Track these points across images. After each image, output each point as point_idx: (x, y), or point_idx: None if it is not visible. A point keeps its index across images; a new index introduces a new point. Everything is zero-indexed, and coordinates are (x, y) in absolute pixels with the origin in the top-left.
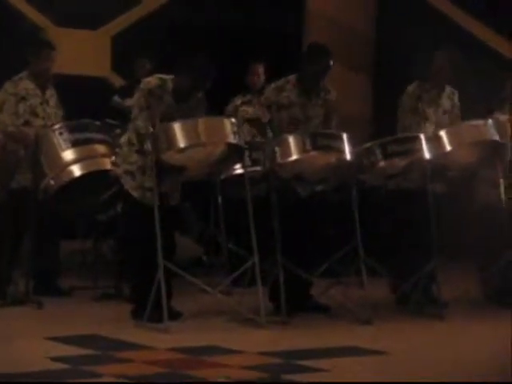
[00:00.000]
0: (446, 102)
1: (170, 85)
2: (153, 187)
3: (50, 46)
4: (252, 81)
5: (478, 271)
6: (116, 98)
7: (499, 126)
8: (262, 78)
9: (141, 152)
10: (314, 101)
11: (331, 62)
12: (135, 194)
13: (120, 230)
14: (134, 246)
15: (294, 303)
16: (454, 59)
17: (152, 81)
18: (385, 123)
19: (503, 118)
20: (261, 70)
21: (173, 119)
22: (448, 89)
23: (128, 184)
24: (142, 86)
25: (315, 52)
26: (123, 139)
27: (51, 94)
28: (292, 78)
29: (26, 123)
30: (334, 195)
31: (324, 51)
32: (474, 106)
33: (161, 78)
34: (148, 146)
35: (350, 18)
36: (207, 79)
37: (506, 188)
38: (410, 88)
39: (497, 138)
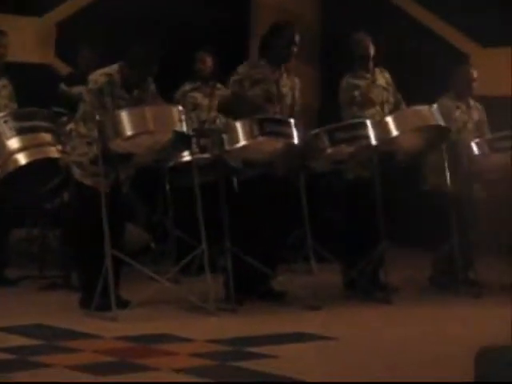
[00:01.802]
0: (381, 81)
1: (116, 77)
2: (104, 174)
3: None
4: (199, 69)
5: (424, 256)
6: (63, 86)
7: (444, 111)
8: (210, 66)
9: (89, 142)
10: (285, 80)
11: (296, 35)
12: (87, 181)
13: (68, 218)
14: (83, 234)
15: (248, 290)
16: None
17: (99, 79)
18: (332, 111)
19: (448, 102)
20: (208, 58)
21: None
22: (377, 69)
23: (78, 174)
24: (90, 86)
25: (277, 26)
26: (70, 128)
27: (3, 84)
28: (262, 57)
29: None
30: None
31: (287, 24)
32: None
33: (106, 74)
34: (95, 133)
35: (297, 7)
36: (151, 64)
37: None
38: (343, 83)
39: (441, 122)
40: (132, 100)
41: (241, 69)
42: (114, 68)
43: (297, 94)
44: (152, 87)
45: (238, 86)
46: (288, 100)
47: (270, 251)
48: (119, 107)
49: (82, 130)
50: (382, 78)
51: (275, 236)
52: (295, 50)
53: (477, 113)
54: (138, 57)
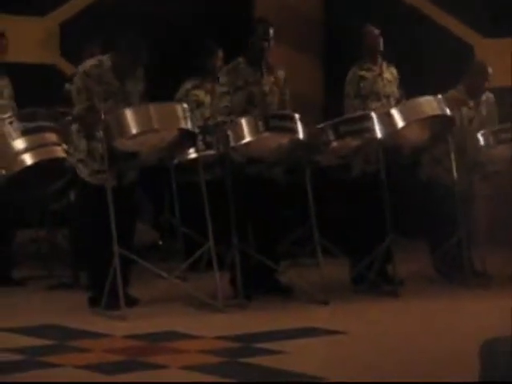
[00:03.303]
0: (387, 75)
1: (107, 63)
2: (105, 170)
3: None
4: (214, 65)
5: (430, 248)
6: (68, 86)
7: (449, 102)
8: (221, 62)
9: (87, 137)
10: (266, 78)
11: (269, 31)
12: (92, 180)
13: (75, 217)
14: (90, 232)
15: (256, 285)
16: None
17: (88, 62)
18: (335, 104)
19: (454, 93)
20: (221, 54)
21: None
22: (384, 63)
23: (83, 172)
24: (78, 68)
25: (253, 24)
26: (74, 127)
27: (4, 84)
28: (241, 58)
29: None
30: (286, 176)
31: (259, 21)
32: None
33: (97, 59)
34: (100, 133)
35: (300, 3)
36: (140, 52)
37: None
38: (349, 75)
39: (448, 112)
40: (121, 89)
41: (223, 78)
42: (105, 56)
43: (283, 85)
44: (139, 73)
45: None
46: (273, 97)
47: (273, 246)
48: (107, 93)
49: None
50: (389, 72)
51: (276, 230)
52: (267, 45)
53: (487, 107)
54: (127, 42)
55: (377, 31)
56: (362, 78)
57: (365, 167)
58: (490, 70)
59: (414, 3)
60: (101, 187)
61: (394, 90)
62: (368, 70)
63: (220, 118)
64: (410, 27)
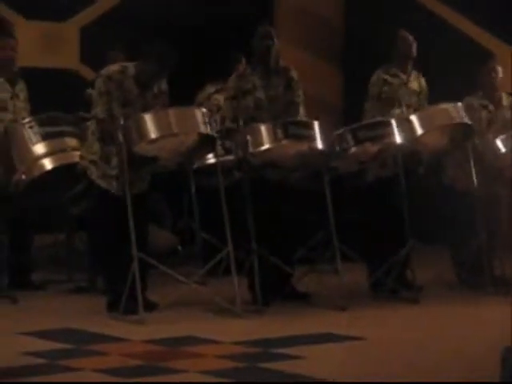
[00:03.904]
0: (414, 84)
1: (131, 70)
2: (117, 175)
3: (6, 34)
4: (237, 70)
5: (450, 254)
6: (89, 91)
7: (469, 109)
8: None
9: (101, 140)
10: (275, 81)
11: (270, 30)
12: (102, 183)
13: (90, 222)
14: (104, 237)
15: (273, 291)
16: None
17: (112, 67)
18: (354, 110)
19: (473, 101)
20: (243, 60)
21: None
22: (414, 72)
23: (94, 174)
24: (102, 71)
25: (256, 30)
26: (90, 128)
27: (21, 88)
28: (249, 63)
29: None
30: (309, 182)
31: (261, 25)
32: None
33: (121, 65)
34: (120, 137)
35: (319, 6)
36: (168, 64)
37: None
38: (374, 76)
39: (467, 120)
40: (140, 98)
41: (231, 83)
42: (131, 64)
43: (296, 86)
44: (164, 87)
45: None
46: (279, 100)
47: (289, 252)
48: (126, 100)
49: (93, 126)
50: (417, 82)
51: (293, 236)
52: (271, 43)
53: (509, 111)
54: (156, 54)
55: (411, 37)
56: (386, 82)
57: (379, 172)
58: (500, 69)
59: (435, 9)
60: (110, 191)
61: (417, 101)
62: (394, 75)
63: (228, 124)
64: (430, 33)
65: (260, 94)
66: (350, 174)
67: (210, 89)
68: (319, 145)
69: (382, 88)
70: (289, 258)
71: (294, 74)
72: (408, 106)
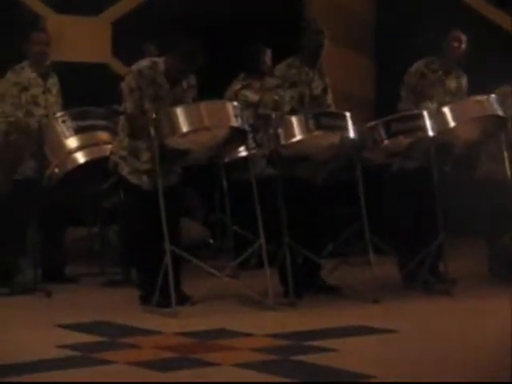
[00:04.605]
0: (452, 83)
1: (161, 66)
2: (148, 170)
3: (40, 28)
4: (263, 64)
5: (486, 247)
6: (123, 84)
7: (502, 101)
8: (270, 62)
9: (131, 135)
10: (317, 82)
11: (322, 29)
12: (132, 178)
13: (122, 216)
14: (137, 232)
15: (304, 284)
16: (463, 41)
17: (142, 62)
18: (387, 103)
19: (507, 89)
20: (269, 53)
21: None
22: (456, 71)
23: (124, 170)
24: (132, 67)
25: (306, 28)
26: (121, 123)
27: (53, 82)
28: (295, 57)
29: (28, 113)
30: (343, 174)
31: (315, 29)
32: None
33: (152, 60)
34: (152, 131)
35: (352, 0)
36: (197, 60)
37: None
38: (414, 67)
39: (500, 112)
40: (171, 93)
41: (278, 71)
42: (160, 58)
43: (329, 94)
44: (193, 81)
45: (275, 89)
46: (321, 102)
47: (318, 245)
48: (157, 95)
49: (123, 121)
50: (456, 81)
51: (322, 229)
52: (323, 41)
53: None
54: (184, 49)
55: (464, 37)
56: (423, 75)
57: (403, 163)
58: None
59: (470, 3)
60: (141, 187)
61: (450, 100)
62: (433, 71)
63: (264, 111)
64: (465, 27)
65: (304, 89)
66: (376, 165)
67: (236, 85)
68: (351, 136)
69: (418, 81)
70: (319, 252)
71: (328, 80)
72: (440, 104)
